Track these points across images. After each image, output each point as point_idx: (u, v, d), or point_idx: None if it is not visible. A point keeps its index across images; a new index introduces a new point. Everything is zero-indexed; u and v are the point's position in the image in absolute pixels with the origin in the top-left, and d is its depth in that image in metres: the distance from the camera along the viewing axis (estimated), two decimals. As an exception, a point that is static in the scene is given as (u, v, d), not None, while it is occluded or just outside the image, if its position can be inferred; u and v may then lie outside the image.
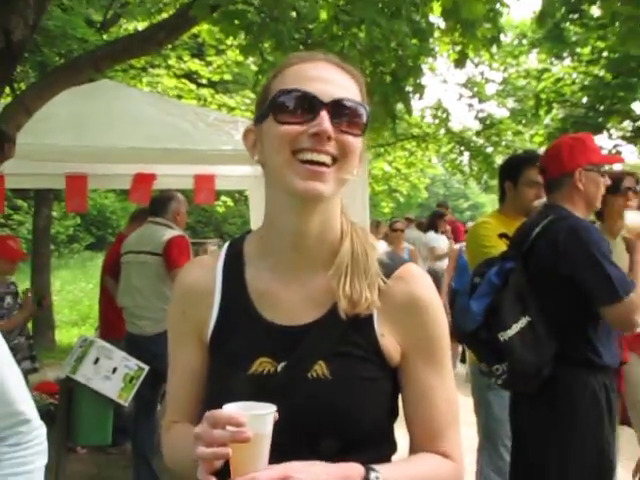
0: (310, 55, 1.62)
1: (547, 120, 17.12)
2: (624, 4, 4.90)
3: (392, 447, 1.69)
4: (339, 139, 1.51)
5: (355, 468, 1.46)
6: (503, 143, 18.14)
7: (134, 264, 6.12)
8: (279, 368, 1.58)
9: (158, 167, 8.13)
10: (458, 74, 37.12)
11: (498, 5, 7.35)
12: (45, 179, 8.84)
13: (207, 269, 1.72)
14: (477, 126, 19.08)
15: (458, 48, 7.49)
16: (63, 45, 9.79)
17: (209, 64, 16.21)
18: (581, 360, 3.44)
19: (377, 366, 1.60)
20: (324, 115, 1.49)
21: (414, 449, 1.65)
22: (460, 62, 7.54)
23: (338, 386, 1.55)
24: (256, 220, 10.61)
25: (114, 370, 5.36)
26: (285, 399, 1.48)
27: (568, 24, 14.99)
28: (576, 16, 14.61)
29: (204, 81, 17.07)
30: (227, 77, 17.14)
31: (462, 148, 18.29)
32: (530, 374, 3.41)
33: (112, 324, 6.80)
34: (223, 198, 20.82)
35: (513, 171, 4.63)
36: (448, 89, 50.58)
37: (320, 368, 1.56)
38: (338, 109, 1.52)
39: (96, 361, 5.38)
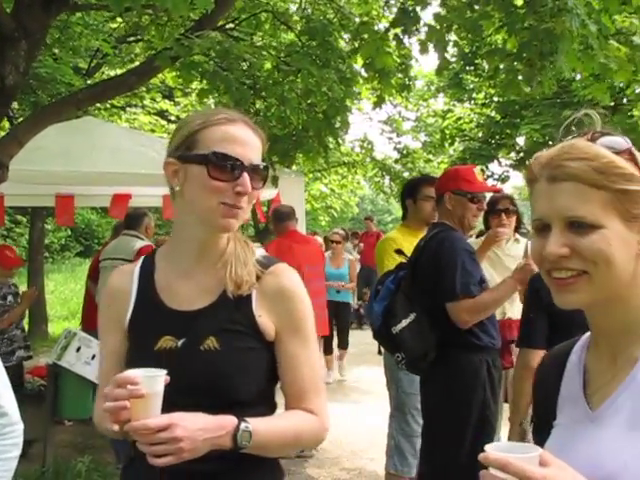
0: (232, 116, 1.69)
1: (451, 151, 17.37)
2: (503, 60, 5.03)
3: (272, 408, 1.78)
4: (249, 193, 1.65)
5: (230, 419, 1.56)
6: (416, 169, 18.31)
7: (110, 268, 6.03)
8: (179, 344, 1.67)
9: (133, 188, 8.04)
10: (380, 113, 37.09)
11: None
12: (39, 198, 8.69)
13: (127, 274, 1.82)
14: (396, 155, 19.23)
15: (377, 93, 7.57)
16: (53, 89, 9.67)
17: (177, 104, 16.14)
18: (463, 343, 3.53)
19: (256, 340, 1.69)
20: (246, 176, 1.62)
21: (287, 408, 1.74)
22: (378, 104, 7.61)
23: (225, 355, 1.65)
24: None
25: (93, 357, 5.28)
26: (184, 368, 1.61)
27: (466, 74, 15.24)
28: (472, 68, 14.86)
29: (173, 118, 16.98)
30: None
31: (384, 173, 18.36)
32: (419, 358, 3.50)
33: (92, 318, 6.68)
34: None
35: (412, 190, 4.70)
36: (373, 125, 50.81)
37: (211, 342, 1.66)
38: (253, 171, 1.65)
39: (78, 349, 5.31)
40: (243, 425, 1.55)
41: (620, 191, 1.19)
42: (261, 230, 20.92)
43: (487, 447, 1.07)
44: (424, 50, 4.82)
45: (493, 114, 15.66)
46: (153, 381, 1.46)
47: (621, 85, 12.56)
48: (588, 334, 1.34)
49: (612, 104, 13.53)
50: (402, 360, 3.59)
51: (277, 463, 1.81)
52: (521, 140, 16.07)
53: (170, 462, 1.46)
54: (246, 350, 1.67)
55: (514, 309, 4.74)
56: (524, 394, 3.08)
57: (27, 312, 7.87)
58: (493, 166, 16.84)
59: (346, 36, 7.82)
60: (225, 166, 1.61)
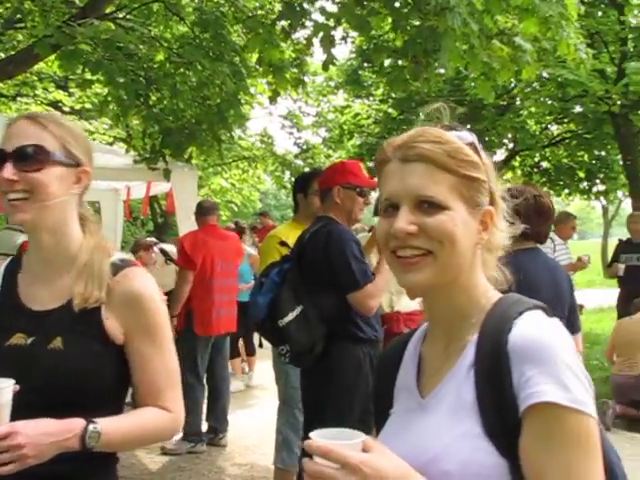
0: (19, 116, 1.78)
1: (349, 146, 17.56)
2: (390, 56, 5.10)
3: (120, 409, 1.79)
4: (25, 178, 1.68)
5: (77, 421, 1.58)
6: (317, 164, 18.40)
7: (-9, 264, 5.79)
8: (29, 341, 1.71)
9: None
10: (281, 108, 36.83)
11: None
12: None
13: None
14: (296, 150, 19.31)
15: (272, 87, 7.54)
16: None
17: (71, 95, 15.65)
18: (347, 335, 3.55)
19: (103, 343, 1.72)
20: (7, 165, 1.67)
21: (141, 405, 1.77)
22: (273, 98, 7.57)
23: (69, 356, 1.68)
24: (106, 225, 10.29)
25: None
26: (31, 365, 1.65)
27: (364, 71, 15.42)
28: (370, 65, 15.04)
29: (67, 109, 16.47)
30: (88, 106, 16.60)
31: (284, 168, 18.39)
32: (305, 351, 3.51)
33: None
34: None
35: (304, 184, 4.70)
36: (273, 120, 50.57)
37: (57, 342, 1.69)
38: (20, 156, 1.68)
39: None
40: (91, 426, 1.59)
41: (467, 177, 1.24)
42: (160, 225, 20.63)
43: (312, 434, 1.08)
44: (309, 45, 4.83)
45: (390, 111, 15.92)
46: (1, 393, 1.50)
47: (513, 85, 13.01)
48: (427, 324, 1.37)
49: (504, 103, 14.00)
50: (287, 353, 3.58)
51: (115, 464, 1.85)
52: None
53: (14, 469, 1.49)
54: (91, 352, 1.70)
55: (402, 302, 4.83)
56: None
57: None
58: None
59: (241, 29, 7.75)
60: None
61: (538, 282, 3.45)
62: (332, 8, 5.64)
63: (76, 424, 1.58)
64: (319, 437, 1.09)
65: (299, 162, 18.64)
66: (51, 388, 1.65)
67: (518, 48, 5.54)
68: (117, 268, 1.78)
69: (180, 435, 6.19)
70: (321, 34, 4.78)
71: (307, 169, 18.29)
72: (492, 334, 1.19)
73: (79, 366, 1.67)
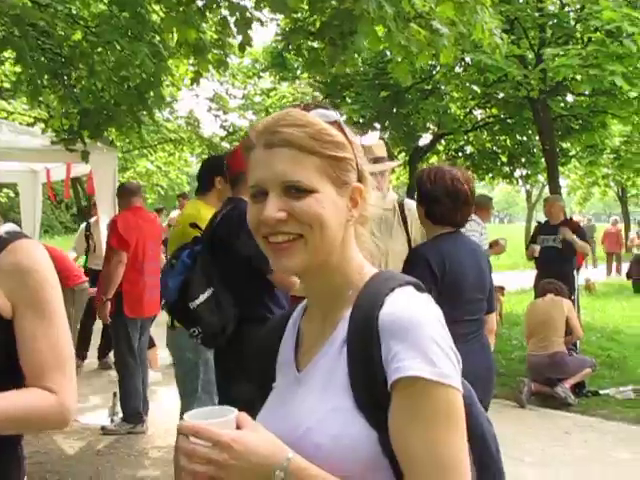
0: None
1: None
2: (306, 38, 5.10)
3: (17, 382, 1.69)
4: None
5: None
6: (244, 148, 18.25)
7: None
8: None
9: None
10: (208, 90, 36.06)
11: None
12: None
13: None
14: (223, 133, 19.15)
15: (194, 68, 7.44)
16: None
17: (-13, 74, 15.14)
18: (258, 317, 3.54)
19: None
20: None
21: (26, 386, 1.67)
22: (195, 80, 7.47)
23: None
24: (25, 208, 10.04)
25: None
26: None
27: (289, 54, 15.32)
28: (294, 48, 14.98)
29: (-17, 88, 15.94)
30: (7, 85, 16.11)
31: (211, 151, 18.22)
32: (217, 333, 3.51)
33: None
34: (5, 190, 19.60)
35: (222, 168, 4.63)
36: (200, 102, 49.77)
37: None
38: None
39: None
40: None
41: (332, 157, 1.24)
42: (84, 208, 20.17)
43: (185, 415, 1.10)
44: (224, 26, 4.79)
45: (317, 94, 15.89)
46: None
47: (437, 69, 13.15)
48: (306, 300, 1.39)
49: (429, 87, 14.14)
50: (198, 335, 3.57)
51: (17, 448, 1.78)
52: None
53: None
54: None
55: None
56: None
57: None
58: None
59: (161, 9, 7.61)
60: None
61: (464, 266, 3.48)
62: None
63: None
64: (192, 417, 1.10)
65: (226, 145, 18.51)
66: None
67: (435, 32, 5.60)
68: (4, 242, 1.69)
69: (120, 416, 6.18)
70: (237, 14, 4.75)
71: (234, 152, 18.17)
72: (364, 310, 1.20)
73: None
